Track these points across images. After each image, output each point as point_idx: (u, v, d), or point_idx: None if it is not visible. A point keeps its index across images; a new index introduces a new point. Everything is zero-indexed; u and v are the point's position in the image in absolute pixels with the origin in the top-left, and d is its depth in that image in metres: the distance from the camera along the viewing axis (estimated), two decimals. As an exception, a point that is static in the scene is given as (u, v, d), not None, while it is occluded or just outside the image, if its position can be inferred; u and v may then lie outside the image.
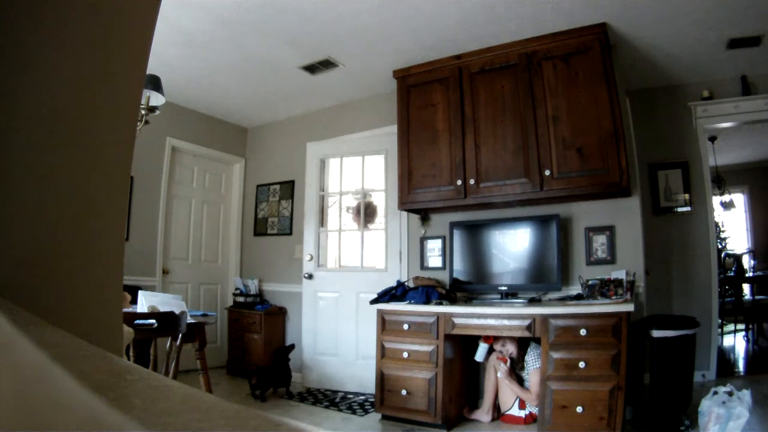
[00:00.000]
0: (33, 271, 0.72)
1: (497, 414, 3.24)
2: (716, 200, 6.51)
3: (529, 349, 3.13)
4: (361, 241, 4.36)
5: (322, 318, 4.29)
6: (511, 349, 3.16)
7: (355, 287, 4.17)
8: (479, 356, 3.25)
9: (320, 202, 4.53)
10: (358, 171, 4.44)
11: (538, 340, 2.96)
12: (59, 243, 0.76)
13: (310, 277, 4.37)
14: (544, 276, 3.24)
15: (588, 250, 3.29)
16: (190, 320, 2.61)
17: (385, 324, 3.30)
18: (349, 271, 4.37)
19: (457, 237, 3.58)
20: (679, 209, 4.01)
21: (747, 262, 6.40)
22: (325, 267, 4.46)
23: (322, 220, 4.53)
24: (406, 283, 3.55)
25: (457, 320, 3.04)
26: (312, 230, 4.46)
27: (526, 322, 2.83)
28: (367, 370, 3.88)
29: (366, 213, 4.38)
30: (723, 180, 6.64)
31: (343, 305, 4.19)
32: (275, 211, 4.99)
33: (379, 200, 4.39)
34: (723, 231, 6.95)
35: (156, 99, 2.90)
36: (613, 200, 3.23)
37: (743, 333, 5.73)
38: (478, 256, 3.53)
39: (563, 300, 3.13)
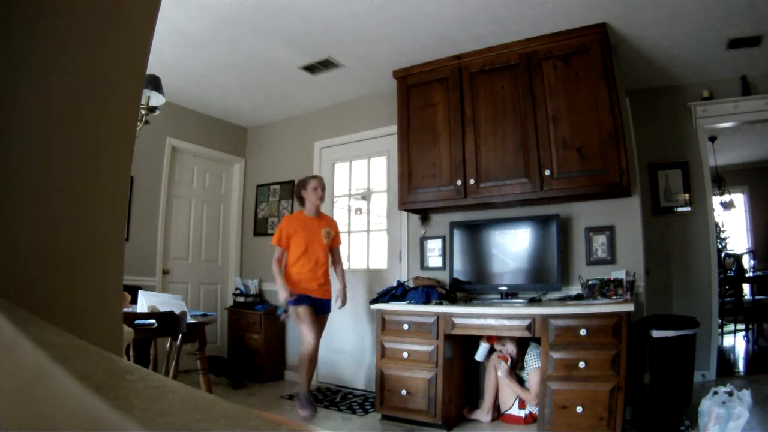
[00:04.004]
0: (33, 272, 0.72)
1: (497, 414, 3.24)
2: (716, 200, 6.51)
3: (528, 349, 3.13)
4: (367, 242, 4.37)
5: (332, 316, 4.23)
6: (510, 348, 3.16)
7: (359, 287, 4.16)
8: (480, 356, 3.25)
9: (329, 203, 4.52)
10: (362, 172, 4.48)
11: (537, 340, 2.96)
12: (59, 243, 0.76)
13: None
14: (544, 276, 3.24)
15: (588, 250, 3.29)
16: (190, 320, 2.61)
17: (385, 324, 3.30)
18: (353, 271, 4.37)
19: (457, 237, 3.58)
20: (679, 209, 4.01)
21: (747, 262, 6.40)
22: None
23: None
24: (406, 283, 3.55)
25: (457, 320, 3.04)
26: None
27: (526, 322, 2.83)
28: (373, 368, 3.88)
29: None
30: (723, 180, 6.64)
31: (352, 304, 4.15)
32: (275, 211, 4.99)
33: (381, 200, 4.39)
34: (723, 231, 6.95)
35: (156, 99, 2.90)
36: (613, 200, 3.23)
37: (743, 333, 5.73)
38: (478, 256, 3.53)
39: (563, 300, 3.13)
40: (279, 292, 3.42)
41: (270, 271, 4.86)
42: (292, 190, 4.90)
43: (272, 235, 4.93)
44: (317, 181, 3.56)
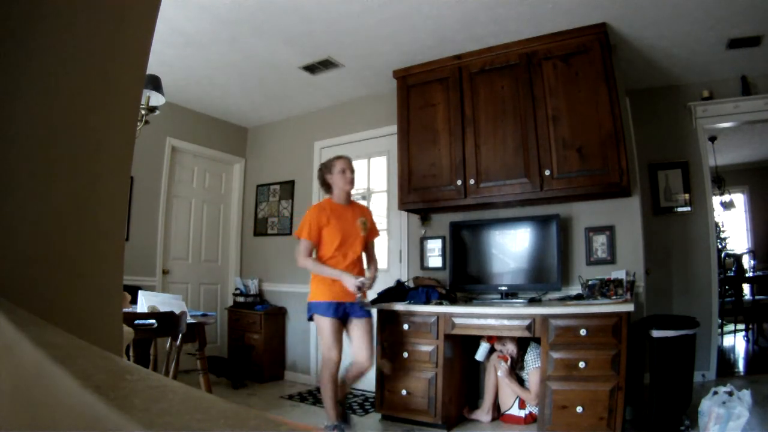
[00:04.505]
0: (33, 272, 0.72)
1: (497, 414, 3.24)
2: (716, 200, 6.51)
3: (528, 349, 3.13)
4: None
5: None
6: (511, 348, 3.16)
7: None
8: (480, 356, 3.25)
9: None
10: (362, 172, 4.49)
11: (538, 340, 2.96)
12: (59, 243, 0.76)
13: None
14: (544, 276, 3.24)
15: (588, 250, 3.29)
16: (190, 320, 2.61)
17: (385, 324, 3.30)
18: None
19: (457, 237, 3.58)
20: (679, 209, 4.01)
21: (747, 262, 6.40)
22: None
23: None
24: (406, 283, 3.55)
25: (457, 320, 3.04)
26: None
27: (526, 322, 2.83)
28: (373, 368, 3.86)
29: None
30: (723, 180, 6.64)
31: None
32: (275, 211, 4.99)
33: (381, 200, 4.39)
34: (723, 231, 6.95)
35: (156, 99, 2.90)
36: (613, 200, 3.23)
37: (743, 333, 5.73)
38: (478, 256, 3.53)
39: (563, 300, 3.13)
40: (344, 280, 2.81)
41: (269, 270, 4.91)
42: (292, 191, 4.90)
43: (272, 235, 4.99)
44: (344, 161, 3.02)
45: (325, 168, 3.08)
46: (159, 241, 4.41)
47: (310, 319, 2.95)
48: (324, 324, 2.86)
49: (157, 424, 0.23)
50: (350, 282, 2.79)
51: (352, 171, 3.03)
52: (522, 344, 3.17)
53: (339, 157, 3.07)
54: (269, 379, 4.45)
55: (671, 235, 3.99)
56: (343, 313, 2.88)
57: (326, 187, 3.08)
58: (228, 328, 4.81)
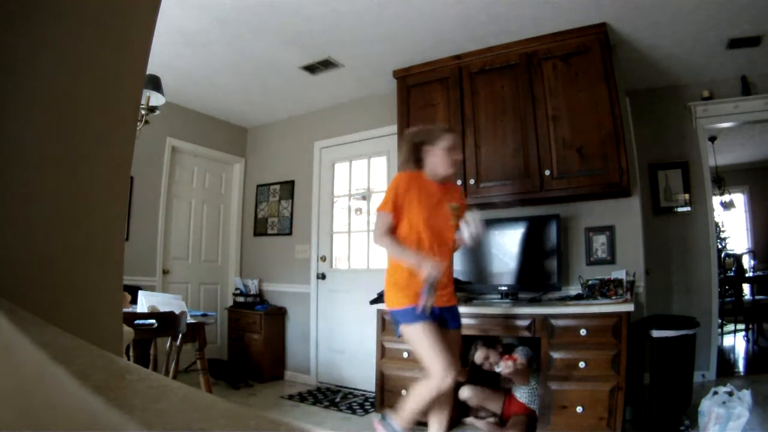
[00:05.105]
0: (33, 271, 0.72)
1: (497, 414, 3.23)
2: (716, 200, 6.51)
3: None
4: (367, 242, 4.40)
5: (333, 316, 4.40)
6: (494, 358, 3.05)
7: (362, 287, 4.18)
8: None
9: (330, 203, 4.64)
10: (362, 172, 4.53)
11: (529, 343, 2.93)
12: (59, 243, 0.76)
13: (323, 277, 4.49)
14: (544, 276, 3.24)
15: (588, 250, 3.29)
16: (190, 320, 2.61)
17: (385, 324, 3.30)
18: (354, 271, 4.42)
19: (457, 237, 3.58)
20: (679, 209, 4.01)
21: (747, 262, 6.40)
22: (335, 268, 4.55)
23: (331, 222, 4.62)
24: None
25: (457, 320, 3.04)
26: (326, 232, 4.60)
27: (526, 322, 2.83)
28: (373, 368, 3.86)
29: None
30: (723, 180, 6.64)
31: (353, 304, 4.22)
32: (275, 211, 4.99)
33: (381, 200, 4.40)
34: (723, 231, 6.95)
35: (156, 99, 2.91)
36: (613, 200, 3.23)
37: (743, 333, 5.73)
38: (478, 256, 3.52)
39: (563, 300, 3.13)
40: (423, 268, 2.09)
41: (269, 270, 4.91)
42: (292, 190, 4.89)
43: (272, 235, 4.99)
44: (454, 137, 2.30)
45: (427, 137, 2.29)
46: (159, 241, 4.41)
47: (400, 334, 2.25)
48: (418, 332, 2.12)
49: (157, 424, 0.23)
50: (426, 270, 2.07)
51: (460, 152, 2.26)
52: (508, 351, 3.07)
53: (447, 130, 2.33)
54: (269, 379, 4.45)
55: (671, 235, 3.98)
56: (437, 316, 2.18)
57: (416, 161, 2.31)
58: (228, 328, 4.81)
